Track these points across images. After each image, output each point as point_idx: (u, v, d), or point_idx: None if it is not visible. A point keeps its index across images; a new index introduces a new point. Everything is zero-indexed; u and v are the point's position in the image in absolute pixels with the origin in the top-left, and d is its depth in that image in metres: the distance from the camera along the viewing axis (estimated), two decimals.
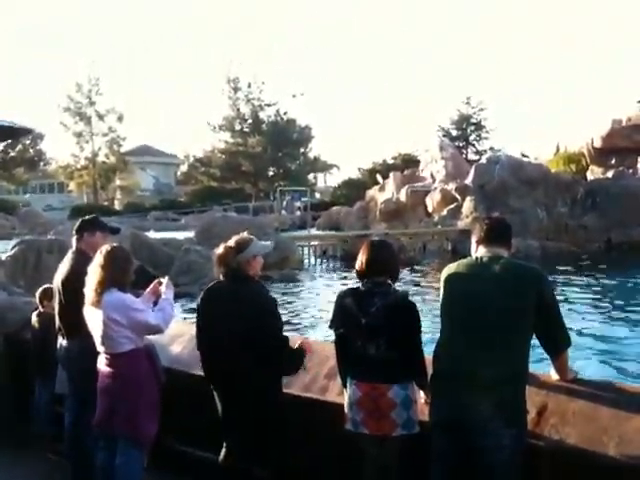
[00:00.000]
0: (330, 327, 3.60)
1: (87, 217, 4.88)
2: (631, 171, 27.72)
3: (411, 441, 3.34)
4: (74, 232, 4.68)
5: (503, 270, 3.07)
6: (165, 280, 4.16)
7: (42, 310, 5.72)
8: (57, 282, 4.59)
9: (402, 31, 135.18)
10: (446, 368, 3.09)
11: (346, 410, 3.49)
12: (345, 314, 3.46)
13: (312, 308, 13.73)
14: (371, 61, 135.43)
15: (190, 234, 22.08)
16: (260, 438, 3.73)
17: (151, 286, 4.16)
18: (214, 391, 3.81)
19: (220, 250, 3.81)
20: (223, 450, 3.83)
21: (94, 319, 3.83)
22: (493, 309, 2.98)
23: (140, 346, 3.82)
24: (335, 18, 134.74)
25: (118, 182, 58.75)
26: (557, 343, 3.17)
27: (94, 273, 3.84)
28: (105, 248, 3.93)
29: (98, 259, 3.87)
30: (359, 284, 3.53)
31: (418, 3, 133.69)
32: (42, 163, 64.25)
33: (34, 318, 5.72)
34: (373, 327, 3.34)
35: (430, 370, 3.23)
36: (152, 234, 23.30)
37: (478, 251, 3.25)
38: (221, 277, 3.81)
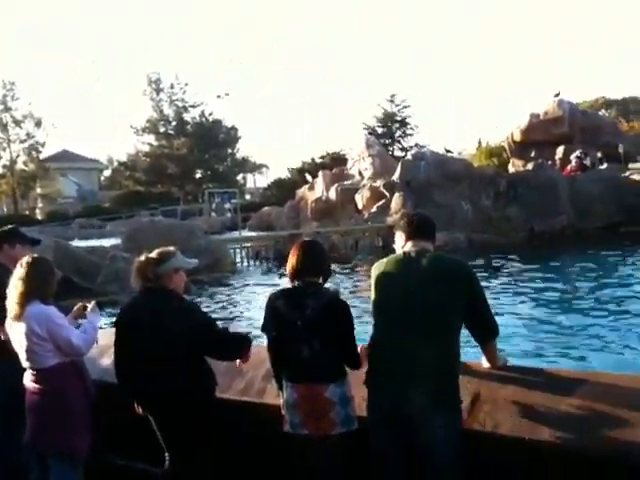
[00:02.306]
0: (262, 330, 3.55)
1: (5, 228, 4.71)
2: (550, 162, 28.84)
3: (351, 438, 3.36)
4: None
5: (432, 265, 3.14)
6: (91, 305, 4.05)
7: None
8: None
9: (326, 28, 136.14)
10: (382, 365, 3.13)
11: (283, 412, 3.47)
12: (278, 317, 3.42)
13: (246, 311, 13.63)
14: (298, 60, 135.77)
15: (117, 241, 21.55)
16: (197, 451, 3.68)
17: (75, 309, 4.05)
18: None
19: (140, 259, 3.72)
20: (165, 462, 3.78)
21: (17, 333, 3.69)
22: (425, 304, 3.03)
23: (66, 360, 3.68)
24: (257, 14, 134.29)
25: (39, 190, 56.71)
26: (487, 333, 3.28)
27: (15, 286, 3.70)
28: (26, 259, 3.79)
29: (19, 271, 3.73)
30: (290, 285, 3.51)
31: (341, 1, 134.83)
32: None
33: None
34: (307, 328, 3.33)
35: (364, 368, 3.26)
36: (77, 242, 22.65)
37: (406, 246, 3.30)
38: (138, 289, 3.73)
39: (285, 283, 3.72)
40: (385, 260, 3.32)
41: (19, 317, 3.65)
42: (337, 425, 3.33)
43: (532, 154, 30.70)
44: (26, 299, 3.64)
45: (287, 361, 3.45)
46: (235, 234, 27.85)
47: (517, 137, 31.59)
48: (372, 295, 3.31)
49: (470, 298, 3.10)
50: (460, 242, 22.72)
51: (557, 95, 31.78)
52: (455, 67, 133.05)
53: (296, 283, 3.46)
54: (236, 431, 3.90)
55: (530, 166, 28.39)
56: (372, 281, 3.32)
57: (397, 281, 3.18)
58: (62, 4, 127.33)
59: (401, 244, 3.35)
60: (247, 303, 15.07)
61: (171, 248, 3.84)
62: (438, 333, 3.04)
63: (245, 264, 23.74)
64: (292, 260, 3.50)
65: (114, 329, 3.80)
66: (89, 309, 4.01)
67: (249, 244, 25.15)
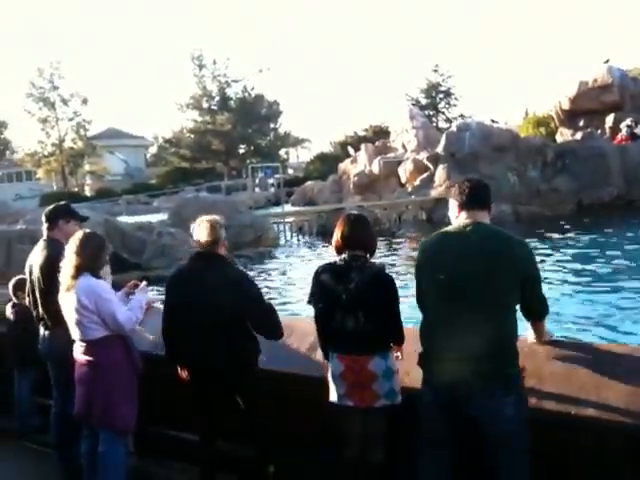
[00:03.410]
0: (309, 303, 3.60)
1: (59, 205, 4.80)
2: (599, 132, 27.98)
3: (395, 411, 3.39)
4: (45, 220, 4.60)
5: (488, 241, 2.99)
6: (142, 284, 4.17)
7: (16, 301, 5.65)
8: (35, 272, 4.52)
9: (368, 1, 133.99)
10: (438, 345, 3.01)
11: (330, 383, 3.51)
12: (323, 290, 3.47)
13: (290, 285, 13.75)
14: (338, 32, 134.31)
15: (163, 216, 21.85)
16: (245, 418, 3.77)
17: (126, 286, 4.17)
18: (189, 374, 3.85)
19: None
20: (203, 431, 3.89)
21: (68, 305, 3.81)
22: (483, 283, 2.91)
23: (112, 333, 3.78)
24: None
25: (87, 167, 57.79)
26: (539, 313, 3.19)
27: (69, 259, 3.82)
28: (78, 234, 3.91)
29: (72, 245, 3.84)
30: (336, 259, 3.53)
31: None
32: (8, 152, 62.97)
33: (8, 310, 5.66)
34: (352, 301, 3.36)
35: (417, 348, 3.16)
36: (124, 218, 23.04)
37: (460, 217, 3.11)
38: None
39: (328, 257, 3.75)
40: (436, 235, 3.14)
41: (70, 289, 3.77)
42: (380, 398, 3.37)
43: (581, 123, 29.78)
44: (78, 272, 3.75)
45: (332, 333, 3.49)
46: (278, 209, 27.98)
47: (565, 106, 30.63)
48: (421, 272, 3.14)
49: (526, 277, 2.97)
50: (506, 215, 22.32)
51: (607, 62, 30.67)
52: (499, 34, 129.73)
53: (342, 256, 3.48)
54: (279, 403, 3.96)
55: (579, 136, 27.59)
56: (420, 257, 3.16)
57: (450, 259, 3.00)
58: None
59: (455, 214, 3.16)
60: (292, 276, 15.19)
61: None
62: (495, 312, 2.91)
63: (288, 239, 23.85)
64: (338, 233, 3.53)
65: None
66: (139, 287, 4.12)
67: (292, 219, 25.22)
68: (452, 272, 2.96)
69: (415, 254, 3.33)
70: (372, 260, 3.55)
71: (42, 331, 4.54)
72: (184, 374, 3.89)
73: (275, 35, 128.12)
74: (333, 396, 3.50)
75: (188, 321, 3.70)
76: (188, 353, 3.78)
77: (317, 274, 3.53)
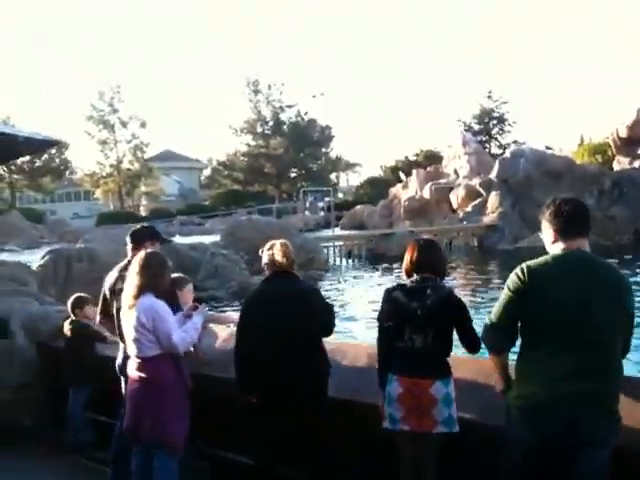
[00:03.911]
0: (378, 320, 3.61)
1: (145, 227, 4.97)
2: None
3: (450, 440, 3.34)
4: (131, 241, 4.69)
5: (600, 273, 2.79)
6: (201, 307, 4.23)
7: (74, 318, 5.82)
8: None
9: (421, 26, 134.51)
10: (545, 385, 2.74)
11: (385, 407, 3.49)
12: (397, 306, 3.48)
13: (340, 309, 13.73)
14: (390, 57, 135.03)
15: (216, 238, 22.17)
16: (306, 442, 3.79)
17: (186, 308, 4.25)
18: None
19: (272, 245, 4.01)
20: (260, 453, 3.91)
21: (128, 323, 3.90)
22: (597, 319, 2.71)
23: (165, 352, 3.85)
24: (352, 15, 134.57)
25: (143, 188, 59.26)
26: (628, 348, 2.93)
27: (132, 279, 3.91)
28: (141, 254, 4.00)
29: (135, 265, 3.94)
30: (406, 281, 3.56)
31: None
32: (68, 172, 65.11)
33: (66, 326, 5.81)
34: (427, 317, 3.38)
35: (514, 391, 2.91)
36: (178, 239, 23.46)
37: (557, 245, 2.85)
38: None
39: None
40: (539, 263, 2.82)
41: (132, 308, 3.87)
42: (438, 424, 3.33)
43: (639, 151, 29.09)
44: (140, 291, 3.85)
45: (397, 352, 3.48)
46: (328, 232, 28.09)
47: (622, 133, 29.97)
48: (523, 304, 2.82)
49: (628, 313, 2.78)
50: None
51: None
52: (554, 61, 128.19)
53: (413, 278, 3.52)
54: (330, 429, 3.95)
55: (637, 164, 26.97)
56: (523, 287, 2.80)
57: (561, 291, 2.73)
58: (165, 6, 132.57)
59: (550, 240, 2.90)
60: (343, 299, 15.18)
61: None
62: (607, 350, 2.73)
63: (337, 262, 23.89)
64: (408, 257, 3.59)
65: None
66: (198, 310, 4.18)
67: (341, 242, 25.28)
68: (569, 308, 2.72)
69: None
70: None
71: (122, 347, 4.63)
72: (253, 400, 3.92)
73: (329, 60, 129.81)
74: (387, 422, 3.47)
75: (265, 341, 3.79)
76: (264, 385, 3.82)
77: (389, 292, 3.56)
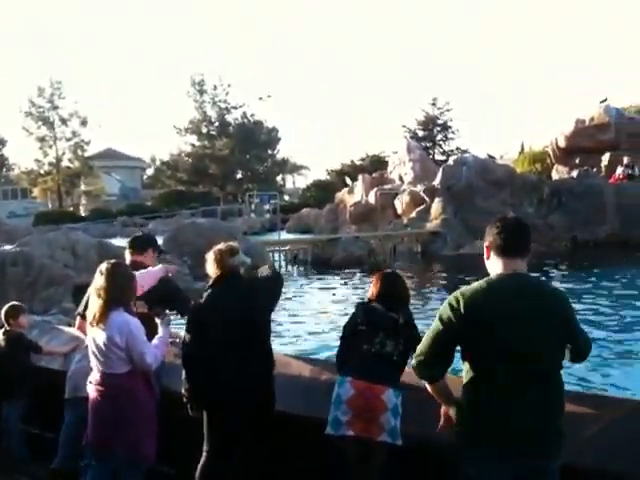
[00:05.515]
0: (344, 327, 3.72)
1: (149, 234, 5.20)
2: (595, 170, 28.22)
3: (390, 455, 3.33)
4: (135, 246, 4.69)
5: (542, 298, 2.69)
6: (165, 318, 4.02)
7: (8, 329, 5.56)
8: None
9: (368, 31, 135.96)
10: (498, 424, 2.61)
11: (331, 409, 3.45)
12: (376, 314, 3.59)
13: (284, 316, 13.54)
14: (338, 61, 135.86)
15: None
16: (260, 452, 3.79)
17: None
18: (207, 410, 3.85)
19: (218, 249, 3.98)
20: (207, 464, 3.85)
21: (96, 338, 3.66)
22: (542, 345, 2.61)
23: (136, 369, 3.68)
24: (298, 17, 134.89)
25: (83, 187, 57.80)
26: (585, 349, 2.88)
27: (97, 294, 3.64)
28: (103, 266, 3.72)
29: (99, 279, 3.66)
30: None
31: (385, 3, 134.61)
32: (4, 169, 62.98)
33: (0, 337, 5.56)
34: (405, 326, 3.53)
35: (464, 427, 2.75)
36: (119, 240, 22.87)
37: (498, 265, 2.74)
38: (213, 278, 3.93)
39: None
40: (477, 289, 2.68)
41: (99, 324, 3.62)
42: (384, 432, 3.32)
43: (577, 161, 30.04)
44: (107, 307, 3.59)
45: (359, 356, 3.50)
46: (274, 235, 27.96)
47: (561, 143, 30.92)
48: (457, 336, 2.68)
49: (570, 320, 2.74)
50: None
51: (604, 101, 31.06)
52: (497, 70, 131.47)
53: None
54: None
55: (574, 173, 27.84)
56: (464, 315, 2.63)
57: (502, 319, 2.60)
58: (109, 3, 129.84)
59: (487, 256, 2.81)
60: (288, 305, 15.06)
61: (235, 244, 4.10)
62: (553, 379, 2.68)
63: (283, 267, 23.78)
64: (373, 290, 3.73)
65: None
66: (161, 322, 3.97)
67: (287, 247, 25.20)
68: (513, 337, 2.60)
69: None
70: None
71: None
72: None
73: (276, 62, 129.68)
74: (329, 428, 3.43)
75: (217, 344, 3.77)
76: (217, 387, 3.79)
77: (366, 304, 3.71)
